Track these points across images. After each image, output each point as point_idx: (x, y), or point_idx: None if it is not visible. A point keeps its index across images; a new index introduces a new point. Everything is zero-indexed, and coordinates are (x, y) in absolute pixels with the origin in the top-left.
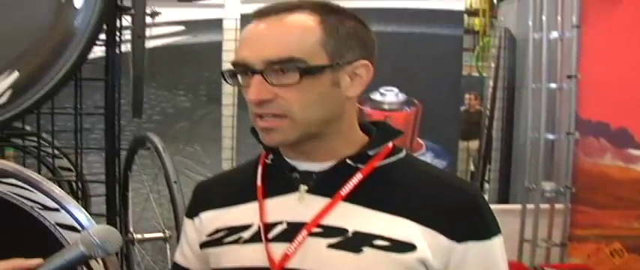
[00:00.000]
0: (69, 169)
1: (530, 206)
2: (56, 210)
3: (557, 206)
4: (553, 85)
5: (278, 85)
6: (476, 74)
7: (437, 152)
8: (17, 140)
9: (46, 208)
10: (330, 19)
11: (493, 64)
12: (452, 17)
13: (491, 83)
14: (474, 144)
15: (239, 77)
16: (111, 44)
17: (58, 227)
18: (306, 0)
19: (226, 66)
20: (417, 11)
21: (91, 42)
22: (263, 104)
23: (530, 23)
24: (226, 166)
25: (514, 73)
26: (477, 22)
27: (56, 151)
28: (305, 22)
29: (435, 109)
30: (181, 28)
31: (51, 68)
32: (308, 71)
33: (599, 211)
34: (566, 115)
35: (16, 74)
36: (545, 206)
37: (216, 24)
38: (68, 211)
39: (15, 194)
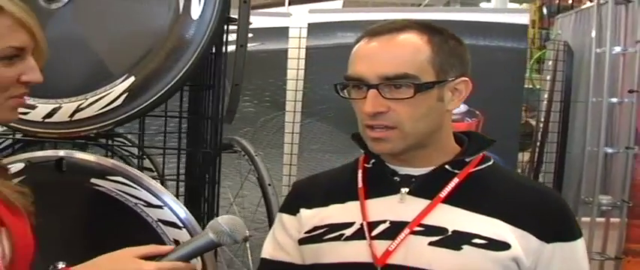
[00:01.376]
0: (150, 170)
1: (584, 219)
2: (159, 207)
3: (613, 220)
4: (614, 100)
5: (391, 98)
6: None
7: None
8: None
9: (149, 205)
10: (436, 38)
11: (549, 77)
12: (515, 31)
13: (546, 96)
14: (523, 156)
15: (345, 90)
16: (219, 53)
17: (160, 223)
18: (411, 20)
19: (291, 73)
20: (480, 24)
21: (206, 52)
22: (377, 116)
23: (593, 37)
24: (286, 171)
25: (570, 86)
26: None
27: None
28: (415, 41)
29: (495, 121)
30: (249, 35)
31: (165, 75)
32: (421, 87)
33: None
34: (626, 130)
35: (132, 79)
36: (600, 220)
37: (283, 32)
38: (170, 208)
39: (121, 191)
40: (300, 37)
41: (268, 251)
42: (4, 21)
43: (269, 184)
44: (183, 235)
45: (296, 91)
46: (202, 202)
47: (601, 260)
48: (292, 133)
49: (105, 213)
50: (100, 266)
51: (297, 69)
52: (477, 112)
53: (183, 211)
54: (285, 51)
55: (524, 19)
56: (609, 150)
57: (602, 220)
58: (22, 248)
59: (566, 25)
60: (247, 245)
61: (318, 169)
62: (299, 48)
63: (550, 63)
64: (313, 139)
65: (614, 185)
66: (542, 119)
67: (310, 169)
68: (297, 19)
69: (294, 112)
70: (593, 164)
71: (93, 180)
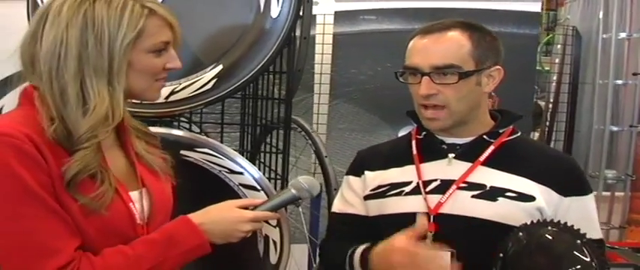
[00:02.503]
0: None
1: None
2: (240, 173)
3: (617, 194)
4: (619, 82)
5: (440, 84)
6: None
7: None
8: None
9: (231, 171)
10: (475, 35)
11: (557, 60)
12: (529, 18)
13: (554, 78)
14: (533, 135)
15: (403, 77)
16: (293, 43)
17: (241, 187)
18: (455, 20)
19: (318, 58)
20: (495, 12)
21: (283, 44)
22: (428, 97)
23: (601, 24)
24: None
25: (578, 69)
26: None
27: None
28: (459, 37)
29: (510, 103)
30: None
31: (248, 64)
32: (463, 75)
33: None
34: (630, 109)
35: (220, 67)
36: (606, 194)
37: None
38: (250, 174)
39: (207, 161)
40: (324, 24)
41: (338, 207)
42: (157, 21)
43: (325, 156)
44: (261, 196)
45: (321, 74)
46: (266, 170)
47: (606, 229)
48: (318, 113)
49: (194, 180)
50: (210, 212)
51: (322, 53)
52: (493, 94)
53: (259, 175)
54: (313, 37)
55: (536, 7)
56: (614, 128)
57: (608, 194)
58: (160, 206)
59: (574, 9)
60: (300, 209)
61: (345, 147)
62: (324, 34)
63: (559, 47)
64: (341, 119)
65: (619, 161)
66: (552, 100)
67: (338, 147)
68: (323, 8)
69: (320, 94)
70: (599, 141)
71: (182, 152)
